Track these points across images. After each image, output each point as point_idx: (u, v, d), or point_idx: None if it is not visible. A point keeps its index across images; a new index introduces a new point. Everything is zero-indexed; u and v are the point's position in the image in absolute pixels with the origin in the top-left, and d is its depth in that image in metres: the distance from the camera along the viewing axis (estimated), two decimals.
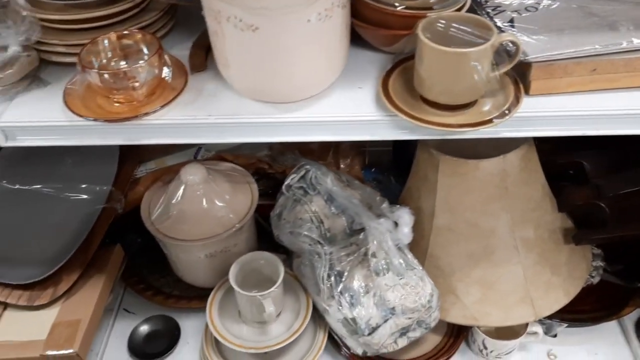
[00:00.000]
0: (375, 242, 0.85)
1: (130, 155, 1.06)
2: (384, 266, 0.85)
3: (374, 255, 0.85)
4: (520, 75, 0.68)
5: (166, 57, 0.72)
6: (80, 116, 0.69)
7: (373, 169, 1.21)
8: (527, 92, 0.67)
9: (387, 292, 0.84)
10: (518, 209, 0.85)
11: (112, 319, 1.03)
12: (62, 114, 0.71)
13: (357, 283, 0.87)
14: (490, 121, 0.63)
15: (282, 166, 1.09)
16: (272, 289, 0.86)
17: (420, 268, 0.86)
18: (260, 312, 0.87)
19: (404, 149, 1.20)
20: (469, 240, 0.88)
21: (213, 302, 0.93)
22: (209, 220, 0.94)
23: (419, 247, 0.92)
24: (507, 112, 0.63)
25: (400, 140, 1.21)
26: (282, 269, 0.89)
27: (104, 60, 0.72)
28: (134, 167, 1.06)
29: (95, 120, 0.69)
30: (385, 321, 0.84)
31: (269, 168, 1.09)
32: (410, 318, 0.84)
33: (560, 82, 0.66)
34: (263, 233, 1.08)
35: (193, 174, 0.93)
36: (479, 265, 0.88)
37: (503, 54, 0.65)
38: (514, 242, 0.86)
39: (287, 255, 0.99)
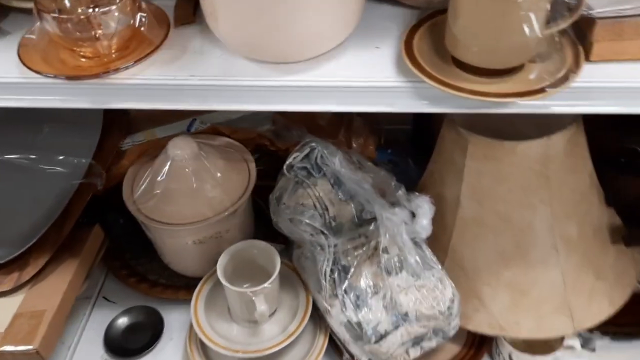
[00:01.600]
0: (387, 236, 0.73)
1: (117, 125, 0.94)
2: (397, 264, 0.72)
3: (385, 250, 0.73)
4: (579, 37, 0.54)
5: (143, 3, 0.59)
6: (36, 72, 0.57)
7: (389, 150, 1.08)
8: (587, 58, 0.53)
9: (400, 295, 0.71)
10: (560, 202, 0.71)
11: (90, 308, 0.92)
12: (15, 69, 0.59)
13: (364, 281, 0.75)
14: (541, 90, 0.50)
15: (286, 143, 0.97)
16: (265, 284, 0.74)
17: (440, 267, 0.74)
18: (251, 311, 0.75)
19: (425, 127, 1.06)
20: (499, 237, 0.75)
21: (199, 296, 0.81)
22: (198, 201, 0.82)
23: (439, 242, 0.79)
24: (564, 79, 0.50)
25: (422, 117, 1.07)
26: (277, 262, 0.77)
27: (68, 5, 0.59)
28: (120, 138, 0.94)
29: (54, 77, 0.57)
30: (396, 328, 0.72)
31: (271, 145, 0.96)
32: (425, 326, 0.72)
33: (630, 46, 0.53)
34: (263, 218, 0.96)
35: (181, 148, 0.81)
36: (510, 266, 0.75)
37: (560, 7, 0.51)
38: (553, 240, 0.73)
39: (286, 244, 0.87)
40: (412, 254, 0.72)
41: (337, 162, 0.80)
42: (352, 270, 0.76)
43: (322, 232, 0.77)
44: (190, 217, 0.81)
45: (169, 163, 0.82)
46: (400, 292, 0.71)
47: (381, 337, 0.73)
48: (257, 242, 0.81)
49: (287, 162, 0.83)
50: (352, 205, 0.80)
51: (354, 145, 1.04)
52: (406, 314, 0.71)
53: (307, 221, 0.77)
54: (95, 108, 0.59)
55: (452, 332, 0.75)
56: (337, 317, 0.76)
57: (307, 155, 0.82)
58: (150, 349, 0.86)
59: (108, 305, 0.93)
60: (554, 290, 0.74)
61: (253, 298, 0.74)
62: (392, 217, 0.73)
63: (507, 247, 0.75)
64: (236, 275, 0.80)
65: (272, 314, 0.80)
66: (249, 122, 0.98)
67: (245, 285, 0.79)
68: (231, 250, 0.79)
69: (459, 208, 0.76)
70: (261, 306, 0.74)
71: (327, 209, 0.79)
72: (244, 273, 0.81)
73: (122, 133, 0.94)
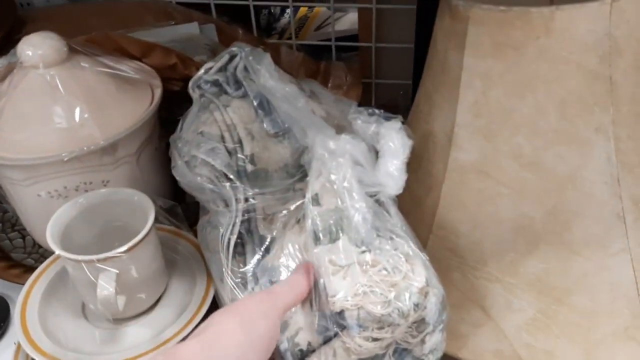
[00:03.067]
0: (320, 175, 0.42)
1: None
2: (333, 225, 0.41)
3: (315, 200, 0.42)
4: None
5: None
6: None
7: (380, 110, 0.78)
8: None
9: (334, 278, 0.40)
10: (633, 132, 0.40)
11: None
12: None
13: (286, 259, 0.44)
14: None
15: None
16: (115, 252, 0.44)
17: (408, 238, 0.41)
18: (93, 297, 0.45)
19: None
20: (520, 197, 0.43)
21: (38, 281, 0.52)
22: (55, 132, 0.53)
23: (420, 209, 0.48)
24: None
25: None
26: (149, 219, 0.47)
27: None
28: None
29: None
30: (326, 342, 0.40)
31: None
32: (377, 339, 0.39)
33: None
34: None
35: (35, 48, 0.53)
36: (539, 249, 0.43)
37: None
38: (618, 203, 0.41)
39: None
40: (359, 209, 0.41)
41: (263, 72, 0.50)
42: (268, 240, 0.46)
43: (227, 177, 0.47)
44: (38, 151, 0.53)
45: (17, 70, 0.54)
46: (336, 273, 0.40)
47: (300, 356, 0.41)
48: (122, 191, 0.51)
49: (195, 77, 0.54)
50: (287, 142, 0.50)
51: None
52: (342, 314, 0.39)
53: (203, 157, 0.48)
54: None
55: (431, 358, 0.43)
56: None
57: (224, 67, 0.53)
58: None
59: None
60: (617, 293, 0.42)
61: (98, 275, 0.44)
62: (330, 144, 0.42)
63: (533, 215, 0.43)
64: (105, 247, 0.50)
65: (146, 311, 0.50)
66: (178, 42, 0.71)
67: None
68: (80, 202, 0.49)
69: (452, 148, 0.45)
70: (106, 288, 0.43)
71: (240, 144, 0.49)
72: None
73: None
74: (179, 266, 0.55)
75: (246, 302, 0.37)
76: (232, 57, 0.53)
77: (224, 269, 0.47)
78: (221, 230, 0.47)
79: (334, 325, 0.40)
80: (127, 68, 0.61)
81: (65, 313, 0.51)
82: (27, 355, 0.51)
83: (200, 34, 0.72)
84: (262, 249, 0.46)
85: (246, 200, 0.47)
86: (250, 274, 0.45)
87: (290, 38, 0.86)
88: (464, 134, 0.44)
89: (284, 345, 0.42)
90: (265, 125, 0.50)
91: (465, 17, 0.41)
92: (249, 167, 0.49)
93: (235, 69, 0.52)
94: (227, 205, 0.47)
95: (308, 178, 0.45)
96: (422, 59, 0.76)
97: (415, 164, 0.48)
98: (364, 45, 0.77)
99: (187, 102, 0.77)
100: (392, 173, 0.44)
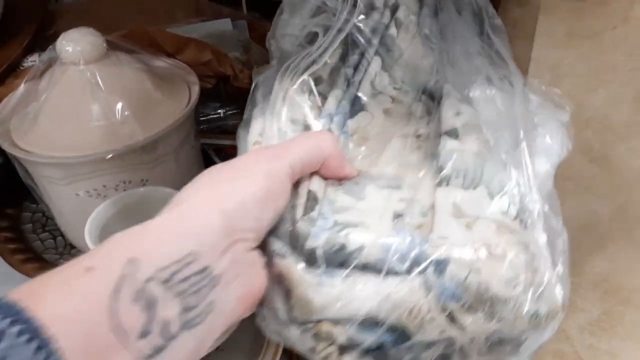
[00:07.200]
0: (461, 117, 0.35)
1: (23, 34, 0.67)
2: (470, 167, 0.32)
3: (453, 133, 0.35)
4: None
5: None
6: None
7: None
8: None
9: (453, 220, 0.30)
10: None
11: None
12: None
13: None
14: None
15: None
16: None
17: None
18: None
19: None
20: (586, 193, 0.42)
21: None
22: (95, 129, 0.52)
23: None
24: None
25: None
26: None
27: None
28: (23, 50, 0.66)
29: None
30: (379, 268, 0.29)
31: (235, 79, 0.65)
32: (453, 321, 0.27)
33: None
34: None
35: (74, 43, 0.52)
36: (606, 247, 0.42)
37: None
38: None
39: None
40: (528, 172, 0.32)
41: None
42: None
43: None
44: (78, 149, 0.51)
45: (56, 67, 0.53)
46: (458, 217, 0.30)
47: (329, 255, 0.29)
48: (161, 190, 0.49)
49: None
50: (430, 53, 0.41)
51: None
52: (443, 264, 0.27)
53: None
54: None
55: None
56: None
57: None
58: None
59: None
60: None
61: None
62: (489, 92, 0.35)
63: (600, 212, 0.41)
64: None
65: None
66: (214, 38, 0.69)
67: None
68: (118, 200, 0.48)
69: None
70: None
71: (396, 9, 0.41)
72: None
73: (29, 46, 0.67)
74: None
75: (245, 158, 0.30)
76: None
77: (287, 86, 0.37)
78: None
79: (412, 263, 0.27)
80: (164, 64, 0.60)
81: None
82: None
83: (233, 30, 0.71)
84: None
85: (369, 41, 0.39)
86: (331, 112, 0.36)
87: None
88: None
89: (322, 224, 0.30)
90: (423, 24, 0.41)
91: (535, 6, 0.40)
92: (393, 31, 0.40)
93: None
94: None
95: (443, 109, 0.37)
96: None
97: None
98: None
99: (217, 101, 0.76)
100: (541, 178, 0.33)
